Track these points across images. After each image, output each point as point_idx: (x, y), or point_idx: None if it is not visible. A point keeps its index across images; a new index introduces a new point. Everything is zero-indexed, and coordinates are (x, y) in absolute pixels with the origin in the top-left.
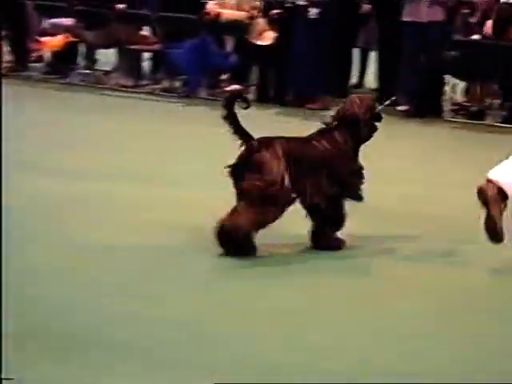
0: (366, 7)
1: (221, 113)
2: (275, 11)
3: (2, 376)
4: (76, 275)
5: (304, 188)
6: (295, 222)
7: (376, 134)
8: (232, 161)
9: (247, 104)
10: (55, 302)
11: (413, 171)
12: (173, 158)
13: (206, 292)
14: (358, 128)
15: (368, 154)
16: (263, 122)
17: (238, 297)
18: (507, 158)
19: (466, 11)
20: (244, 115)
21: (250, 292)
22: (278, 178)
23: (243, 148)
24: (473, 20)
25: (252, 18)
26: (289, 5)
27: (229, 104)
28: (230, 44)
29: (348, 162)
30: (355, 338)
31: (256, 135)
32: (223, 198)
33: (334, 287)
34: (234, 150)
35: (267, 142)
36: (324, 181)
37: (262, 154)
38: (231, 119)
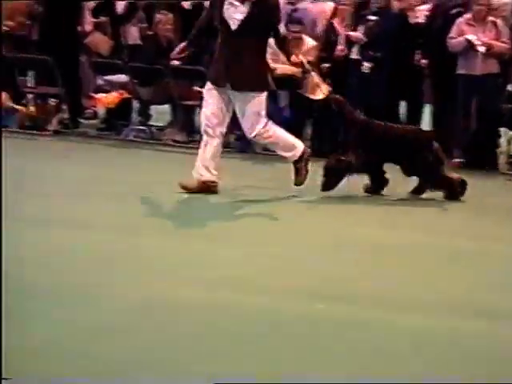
0: (423, 62)
1: None
2: (326, 65)
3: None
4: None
5: None
6: None
7: None
8: None
9: None
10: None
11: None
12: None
13: None
14: None
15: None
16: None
17: None
18: None
19: None
20: None
21: None
22: None
23: None
24: None
25: (305, 72)
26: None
27: None
28: (284, 98)
29: None
30: None
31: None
32: None
33: None
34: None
35: None
36: None
37: None
38: None
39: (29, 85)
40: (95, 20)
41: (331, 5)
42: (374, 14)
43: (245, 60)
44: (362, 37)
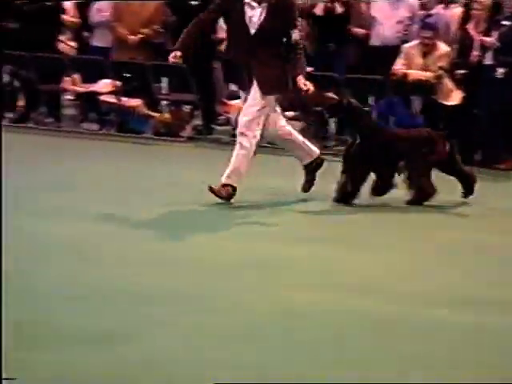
0: None
1: None
2: (460, 71)
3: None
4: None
5: None
6: None
7: None
8: None
9: None
10: None
11: None
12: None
13: None
14: None
15: None
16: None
17: None
18: None
19: None
20: None
21: None
22: None
23: None
24: None
25: (439, 78)
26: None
27: None
28: (416, 104)
29: None
30: None
31: None
32: None
33: None
34: None
35: None
36: None
37: None
38: None
39: (163, 92)
40: None
41: (462, 9)
42: (507, 19)
43: (263, 64)
44: (496, 42)
